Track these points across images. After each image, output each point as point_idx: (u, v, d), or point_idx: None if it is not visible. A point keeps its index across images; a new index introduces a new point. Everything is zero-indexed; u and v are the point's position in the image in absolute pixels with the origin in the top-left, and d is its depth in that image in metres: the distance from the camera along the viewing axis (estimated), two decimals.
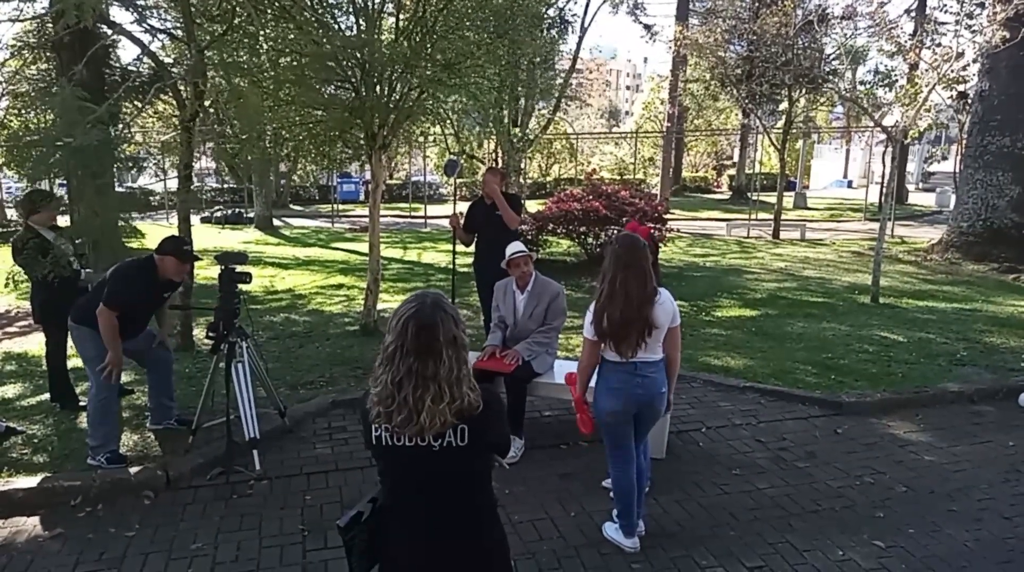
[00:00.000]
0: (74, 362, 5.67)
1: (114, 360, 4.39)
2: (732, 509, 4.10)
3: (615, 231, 10.55)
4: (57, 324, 5.32)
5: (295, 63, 6.41)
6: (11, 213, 18.78)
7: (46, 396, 5.51)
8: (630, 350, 3.40)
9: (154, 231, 14.91)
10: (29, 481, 4.18)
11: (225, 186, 29.00)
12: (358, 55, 6.27)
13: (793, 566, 3.53)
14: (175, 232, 5.73)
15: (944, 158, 37.31)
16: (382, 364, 1.94)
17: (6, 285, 5.54)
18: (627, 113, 66.54)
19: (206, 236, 16.50)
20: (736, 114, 30.21)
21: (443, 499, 2.02)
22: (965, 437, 5.16)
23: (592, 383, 3.67)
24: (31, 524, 3.90)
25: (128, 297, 4.40)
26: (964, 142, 15.06)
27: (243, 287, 4.66)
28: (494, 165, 15.87)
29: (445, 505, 2.02)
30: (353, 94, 6.63)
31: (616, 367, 3.49)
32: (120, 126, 6.34)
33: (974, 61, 12.18)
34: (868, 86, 17.33)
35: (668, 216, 13.51)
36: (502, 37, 6.74)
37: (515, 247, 5.01)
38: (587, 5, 16.76)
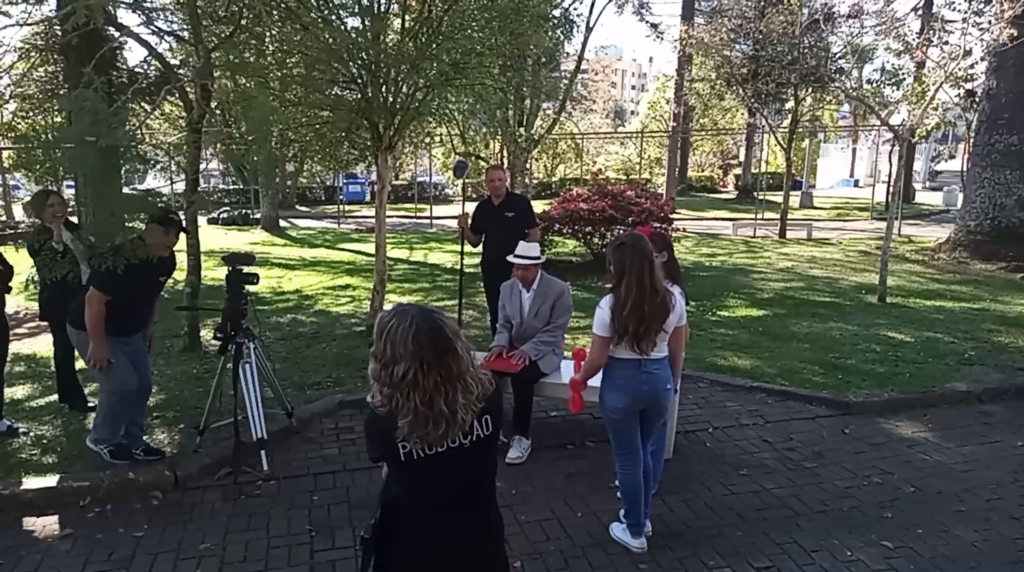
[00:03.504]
0: (82, 363, 5.69)
1: (96, 353, 4.17)
2: (739, 509, 4.09)
3: (622, 231, 10.55)
4: (63, 323, 5.34)
5: (302, 64, 6.43)
6: (19, 214, 18.85)
7: (55, 397, 5.54)
8: (651, 345, 3.40)
9: None
10: (38, 482, 4.20)
11: (232, 187, 29.09)
12: (364, 56, 6.29)
13: (801, 566, 3.52)
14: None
15: (951, 157, 37.17)
16: (403, 393, 1.88)
17: (26, 287, 5.52)
18: (633, 113, 66.39)
19: (213, 237, 16.56)
20: (742, 113, 30.09)
21: (472, 491, 2.05)
22: (973, 437, 5.14)
23: (596, 381, 3.67)
24: (40, 524, 3.91)
25: (115, 276, 4.09)
26: (971, 141, 15.00)
27: (250, 288, 4.68)
28: (498, 163, 15.91)
29: (473, 496, 2.06)
30: (359, 95, 6.64)
31: (622, 364, 3.48)
32: (130, 128, 6.35)
33: (982, 59, 12.14)
34: (875, 84, 17.25)
35: (674, 216, 13.49)
36: (507, 37, 6.74)
37: (526, 249, 5.00)
38: (592, 5, 16.74)
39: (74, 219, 5.97)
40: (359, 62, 6.40)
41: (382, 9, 6.52)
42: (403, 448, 1.92)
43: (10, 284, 5.10)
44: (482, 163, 19.23)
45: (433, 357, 1.87)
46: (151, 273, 4.39)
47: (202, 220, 17.98)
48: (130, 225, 4.95)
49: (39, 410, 5.41)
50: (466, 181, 9.42)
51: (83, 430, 4.98)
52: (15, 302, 9.23)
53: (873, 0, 14.89)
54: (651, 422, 3.69)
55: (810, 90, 17.91)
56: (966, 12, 11.23)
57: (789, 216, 17.69)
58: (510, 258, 5.01)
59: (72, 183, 7.93)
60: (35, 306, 6.18)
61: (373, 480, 4.38)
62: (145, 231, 4.27)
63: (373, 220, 8.26)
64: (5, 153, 17.78)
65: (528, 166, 18.28)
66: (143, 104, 7.64)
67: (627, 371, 3.48)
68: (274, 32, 6.46)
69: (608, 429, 3.64)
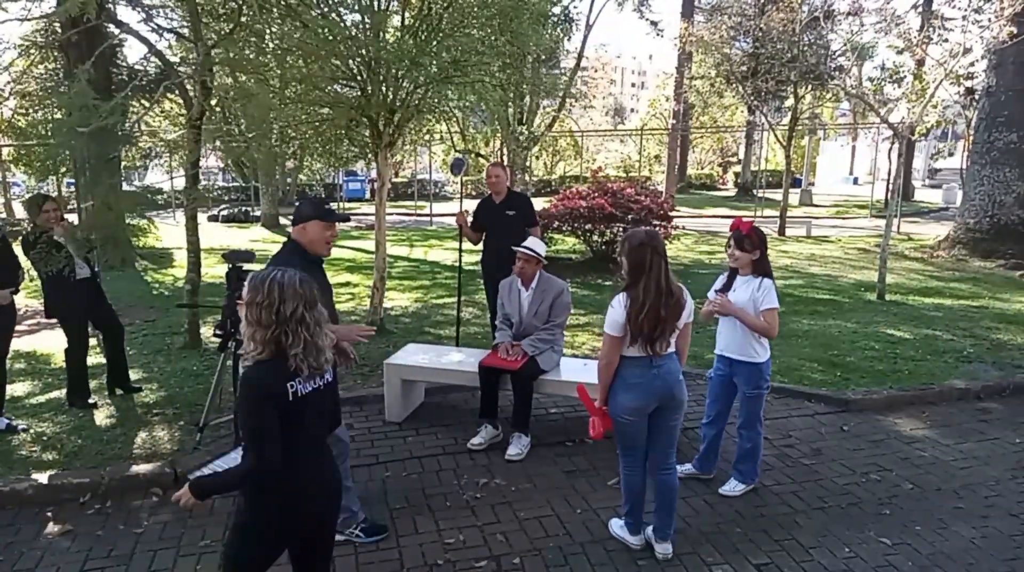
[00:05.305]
0: (96, 359, 5.67)
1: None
2: (738, 506, 4.10)
3: (622, 229, 10.56)
4: (71, 322, 5.34)
5: (301, 61, 6.43)
6: (19, 212, 18.85)
7: (55, 393, 5.55)
8: (665, 345, 3.36)
9: (162, 230, 14.96)
10: (39, 478, 4.20)
11: (232, 184, 29.10)
12: (364, 52, 6.28)
13: (800, 563, 3.53)
14: (182, 230, 5.71)
15: (951, 154, 37.19)
16: (292, 328, 2.22)
17: (31, 281, 5.51)
18: (632, 110, 66.41)
19: (212, 234, 16.54)
20: (741, 111, 30.14)
21: (328, 421, 2.51)
22: (972, 434, 5.15)
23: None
24: (40, 521, 3.92)
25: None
26: (971, 138, 15.01)
27: None
28: (499, 161, 15.93)
29: (327, 426, 2.54)
30: (359, 92, 6.64)
31: (633, 362, 3.41)
32: (128, 124, 6.36)
33: (982, 57, 12.15)
34: (876, 82, 17.27)
35: (673, 213, 13.50)
36: (507, 34, 6.74)
37: (533, 243, 5.03)
38: (592, 2, 16.71)
39: (71, 218, 5.97)
40: (358, 59, 6.40)
41: (381, 6, 6.51)
42: (291, 388, 2.23)
43: (19, 287, 5.12)
44: (482, 161, 19.25)
45: (312, 301, 2.28)
46: (322, 277, 3.66)
47: (202, 217, 17.97)
48: (131, 222, 4.96)
49: (39, 407, 5.41)
50: (465, 178, 9.42)
51: (84, 427, 5.00)
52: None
53: None
54: (667, 420, 3.51)
55: (810, 88, 17.93)
56: (966, 10, 11.21)
57: (788, 213, 17.67)
58: (515, 248, 5.02)
59: (72, 181, 7.94)
60: (35, 303, 6.19)
61: (372, 476, 4.40)
62: (303, 230, 3.66)
63: (373, 217, 8.26)
64: (5, 150, 17.78)
65: (528, 163, 18.28)
66: (142, 101, 7.65)
67: (637, 369, 3.40)
68: (274, 29, 6.46)
69: (615, 429, 3.52)
